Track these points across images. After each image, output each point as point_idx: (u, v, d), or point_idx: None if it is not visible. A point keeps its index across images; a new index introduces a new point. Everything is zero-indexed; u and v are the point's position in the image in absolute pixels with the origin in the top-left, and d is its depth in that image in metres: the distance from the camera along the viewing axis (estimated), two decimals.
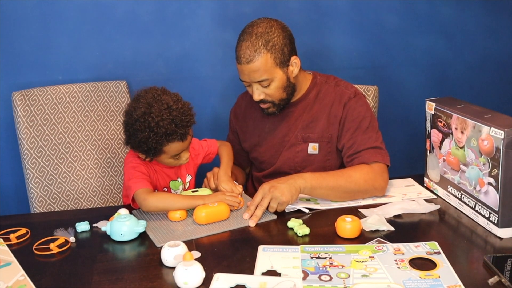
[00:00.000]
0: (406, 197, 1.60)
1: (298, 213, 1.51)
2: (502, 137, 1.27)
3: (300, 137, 1.73)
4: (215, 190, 1.62)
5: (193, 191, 1.57)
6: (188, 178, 1.75)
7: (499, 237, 1.33)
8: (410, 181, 1.75)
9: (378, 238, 1.34)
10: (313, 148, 1.72)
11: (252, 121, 1.83)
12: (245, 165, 1.94)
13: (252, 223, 1.44)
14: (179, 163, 1.60)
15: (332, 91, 1.73)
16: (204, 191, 1.58)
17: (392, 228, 1.39)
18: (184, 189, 1.73)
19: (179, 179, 1.70)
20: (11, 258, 1.29)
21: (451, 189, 1.54)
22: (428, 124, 1.63)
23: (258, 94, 1.65)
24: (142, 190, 1.50)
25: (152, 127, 1.46)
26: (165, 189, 1.67)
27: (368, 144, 1.65)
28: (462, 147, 1.45)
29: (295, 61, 1.66)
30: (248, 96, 1.83)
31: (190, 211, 1.52)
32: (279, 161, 1.76)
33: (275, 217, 1.49)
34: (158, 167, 1.64)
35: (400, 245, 1.28)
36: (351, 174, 1.58)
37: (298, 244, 1.31)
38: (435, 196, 1.61)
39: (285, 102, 1.70)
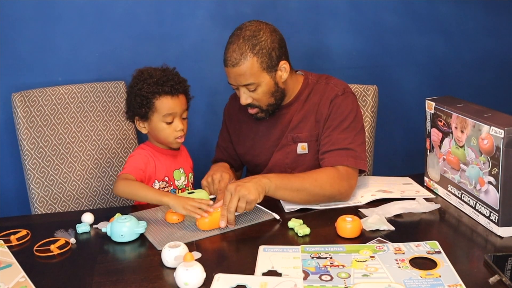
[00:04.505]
0: (405, 194, 1.60)
1: (298, 213, 1.51)
2: (502, 136, 1.27)
3: (290, 138, 1.70)
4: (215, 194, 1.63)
5: (189, 193, 1.57)
6: (192, 177, 1.77)
7: (499, 236, 1.33)
8: (407, 179, 1.75)
9: (379, 238, 1.34)
10: (302, 148, 1.69)
11: (245, 124, 1.80)
12: (237, 166, 1.91)
13: (230, 226, 1.43)
14: (174, 135, 1.63)
15: (322, 90, 1.69)
16: (200, 193, 1.57)
17: (392, 228, 1.39)
18: (187, 184, 1.74)
19: (181, 170, 1.72)
20: (12, 259, 1.29)
21: (451, 188, 1.54)
22: (428, 123, 1.63)
23: (245, 98, 1.63)
24: (122, 175, 1.57)
25: (145, 78, 1.62)
26: (167, 178, 1.70)
27: (341, 144, 1.60)
28: (462, 146, 1.45)
29: (284, 65, 1.62)
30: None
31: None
32: (270, 162, 1.74)
33: (277, 217, 1.48)
34: (163, 155, 1.69)
35: (401, 245, 1.28)
36: (317, 177, 1.53)
37: (298, 244, 1.31)
38: (433, 195, 1.61)
39: (274, 107, 1.67)
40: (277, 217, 1.48)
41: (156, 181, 1.68)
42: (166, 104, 1.60)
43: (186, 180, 1.75)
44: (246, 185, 1.42)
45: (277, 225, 1.45)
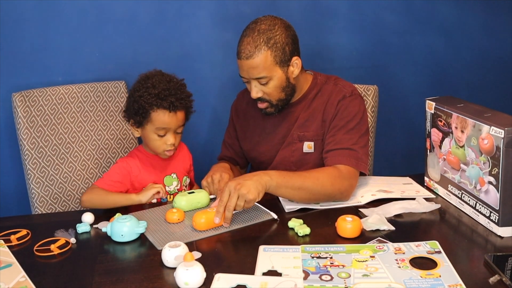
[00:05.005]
0: (405, 194, 1.60)
1: (298, 213, 1.51)
2: (502, 136, 1.27)
3: (296, 136, 1.71)
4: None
5: (189, 193, 1.58)
6: (187, 180, 1.77)
7: (499, 236, 1.33)
8: (407, 179, 1.75)
9: (379, 238, 1.34)
10: (308, 146, 1.70)
11: (253, 120, 1.81)
12: (242, 164, 1.92)
13: (225, 225, 1.42)
14: (163, 148, 1.64)
15: (330, 90, 1.71)
16: (200, 193, 1.58)
17: (392, 228, 1.39)
18: (180, 188, 1.74)
19: (173, 175, 1.71)
20: (12, 259, 1.29)
21: (452, 188, 1.54)
22: (428, 123, 1.63)
23: (256, 91, 1.64)
24: (91, 187, 1.62)
25: (148, 87, 1.61)
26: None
27: (345, 144, 1.61)
28: (462, 146, 1.45)
29: (296, 61, 1.64)
30: (249, 93, 1.82)
31: (187, 213, 1.52)
32: (275, 160, 1.74)
33: (275, 216, 1.48)
34: (153, 161, 1.70)
35: (401, 245, 1.28)
36: (319, 176, 1.53)
37: (298, 244, 1.31)
38: (433, 195, 1.61)
39: (284, 102, 1.68)
40: (275, 216, 1.48)
41: (144, 188, 1.67)
42: (162, 118, 1.60)
43: (179, 185, 1.75)
44: (246, 183, 1.41)
45: (277, 225, 1.45)
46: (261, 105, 1.69)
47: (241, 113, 1.86)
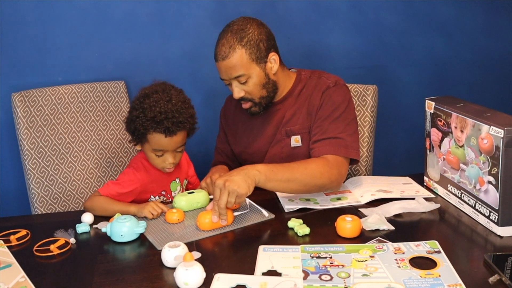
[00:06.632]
0: (405, 194, 1.60)
1: (298, 213, 1.51)
2: (502, 135, 1.27)
3: (283, 132, 1.71)
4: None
5: (189, 193, 1.58)
6: (185, 183, 1.77)
7: (499, 236, 1.33)
8: (407, 179, 1.75)
9: (379, 238, 1.34)
10: (295, 140, 1.70)
11: (241, 123, 1.82)
12: (235, 168, 1.91)
13: (223, 222, 1.42)
14: (162, 165, 1.60)
15: (314, 84, 1.71)
16: (200, 193, 1.59)
17: (392, 227, 1.39)
18: (182, 191, 1.74)
19: (177, 180, 1.71)
20: (12, 259, 1.29)
21: (451, 188, 1.54)
22: (427, 123, 1.63)
23: (237, 91, 1.64)
24: (96, 192, 1.60)
25: (144, 108, 1.53)
26: (164, 192, 1.69)
27: (331, 133, 1.60)
28: (462, 146, 1.45)
29: (273, 57, 1.64)
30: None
31: (187, 213, 1.53)
32: (266, 158, 1.74)
33: (273, 216, 1.49)
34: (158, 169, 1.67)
35: (401, 244, 1.28)
36: (307, 166, 1.52)
37: (298, 244, 1.31)
38: (433, 195, 1.61)
39: (267, 100, 1.68)
40: (266, 214, 1.48)
41: (151, 196, 1.67)
42: (158, 141, 1.55)
43: (180, 189, 1.74)
44: (235, 179, 1.39)
45: (277, 225, 1.45)
46: (245, 105, 1.69)
47: (230, 118, 1.86)
